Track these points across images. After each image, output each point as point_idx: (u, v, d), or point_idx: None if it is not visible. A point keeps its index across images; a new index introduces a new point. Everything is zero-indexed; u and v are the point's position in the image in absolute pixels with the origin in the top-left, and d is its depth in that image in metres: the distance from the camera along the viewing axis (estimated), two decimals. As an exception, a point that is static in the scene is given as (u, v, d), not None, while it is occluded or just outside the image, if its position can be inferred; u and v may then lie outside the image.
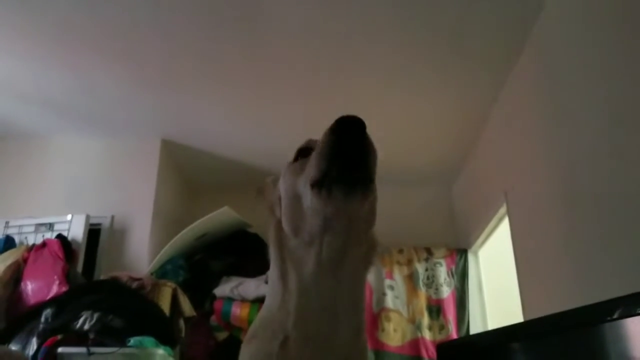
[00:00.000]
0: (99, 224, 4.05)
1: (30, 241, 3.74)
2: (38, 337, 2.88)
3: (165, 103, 4.03)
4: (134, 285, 3.32)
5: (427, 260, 4.57)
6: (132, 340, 2.78)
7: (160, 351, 2.84)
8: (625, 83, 2.33)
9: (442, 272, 4.52)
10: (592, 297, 1.66)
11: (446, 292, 4.46)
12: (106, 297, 3.00)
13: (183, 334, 3.50)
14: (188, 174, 5.00)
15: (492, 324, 4.32)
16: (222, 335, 3.97)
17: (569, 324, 1.74)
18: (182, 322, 3.50)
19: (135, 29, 3.28)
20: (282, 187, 1.18)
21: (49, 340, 2.77)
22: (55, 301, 3.09)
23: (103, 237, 4.04)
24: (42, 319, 3.02)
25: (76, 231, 3.82)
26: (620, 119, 2.37)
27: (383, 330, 4.30)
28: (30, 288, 3.29)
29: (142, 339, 2.81)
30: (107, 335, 2.80)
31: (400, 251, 4.60)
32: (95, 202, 4.13)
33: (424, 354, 4.20)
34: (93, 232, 3.96)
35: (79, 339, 2.78)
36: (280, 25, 3.25)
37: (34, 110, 4.10)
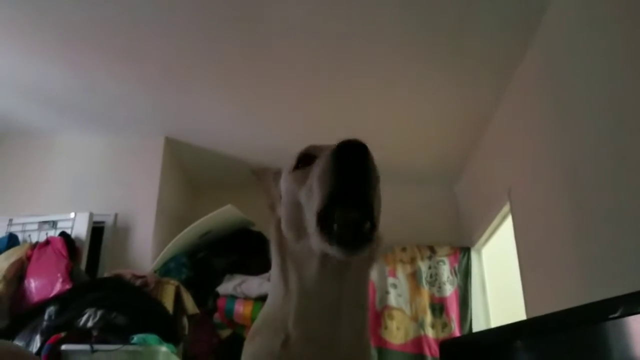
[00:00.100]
0: (103, 222, 4.06)
1: (34, 239, 3.75)
2: (41, 335, 2.88)
3: (168, 101, 4.04)
4: (137, 283, 3.33)
5: (430, 258, 4.57)
6: (136, 338, 2.79)
7: (164, 348, 2.84)
8: (629, 83, 2.33)
9: (445, 271, 4.52)
10: (595, 295, 1.66)
11: (449, 290, 4.46)
12: (109, 295, 3.01)
13: (186, 332, 3.50)
14: (191, 172, 5.00)
15: (495, 322, 4.32)
16: (225, 333, 3.97)
17: (572, 322, 1.74)
18: (185, 320, 3.51)
19: (138, 28, 3.29)
20: (284, 193, 1.17)
21: (53, 338, 2.78)
22: (58, 299, 3.10)
23: (106, 235, 4.05)
24: (46, 317, 3.03)
25: (80, 229, 3.82)
26: (623, 118, 2.37)
27: (386, 328, 4.31)
28: (34, 285, 3.30)
29: (146, 337, 2.81)
30: (111, 332, 2.80)
31: (404, 249, 4.61)
32: (98, 200, 4.13)
33: (426, 351, 4.21)
34: (96, 230, 3.97)
35: (83, 336, 2.78)
36: (281, 24, 3.25)
37: (37, 108, 4.11)
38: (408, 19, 3.18)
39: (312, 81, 3.79)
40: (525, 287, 3.45)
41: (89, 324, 2.82)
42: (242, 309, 3.84)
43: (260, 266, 3.96)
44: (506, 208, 3.75)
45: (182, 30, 3.32)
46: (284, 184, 1.18)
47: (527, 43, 3.29)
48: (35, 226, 3.86)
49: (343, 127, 4.15)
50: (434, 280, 4.51)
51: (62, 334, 2.80)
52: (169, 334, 3.04)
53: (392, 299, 4.43)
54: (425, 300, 4.42)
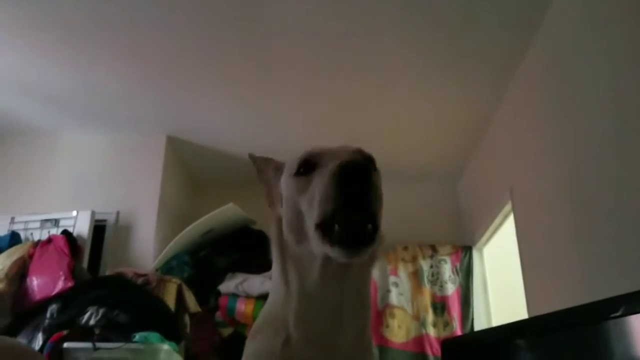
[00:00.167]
0: (105, 220, 4.06)
1: (36, 237, 3.75)
2: (44, 333, 2.89)
3: (169, 100, 4.04)
4: (139, 281, 3.34)
5: (431, 257, 4.57)
6: (138, 336, 2.79)
7: (166, 346, 2.85)
8: (631, 81, 2.33)
9: (447, 269, 4.52)
10: (597, 294, 1.66)
11: (451, 289, 4.46)
12: (112, 293, 3.01)
13: (188, 330, 3.50)
14: (193, 170, 5.01)
15: (497, 321, 4.32)
16: (227, 331, 3.98)
17: (574, 321, 1.74)
18: (187, 318, 3.51)
19: (139, 27, 3.29)
20: (284, 196, 1.16)
21: (55, 336, 2.79)
22: (60, 297, 3.11)
23: (108, 233, 4.05)
24: (48, 315, 3.03)
25: (81, 227, 3.82)
26: (625, 117, 2.37)
27: (387, 326, 4.31)
28: (36, 283, 3.30)
29: (148, 335, 2.82)
30: (113, 330, 2.81)
31: (405, 248, 4.61)
32: (100, 198, 4.14)
33: (428, 350, 4.21)
34: (98, 228, 3.97)
35: (85, 334, 2.79)
36: (281, 24, 3.26)
37: (39, 106, 4.11)
38: (409, 19, 3.18)
39: (313, 80, 3.79)
40: (527, 286, 3.45)
41: (91, 322, 2.82)
42: (243, 308, 3.85)
43: (261, 265, 3.96)
44: (508, 207, 3.75)
45: (183, 30, 3.32)
46: (285, 186, 1.17)
47: (528, 42, 3.29)
48: (38, 224, 3.87)
49: (344, 125, 4.16)
50: (436, 279, 4.51)
51: (65, 332, 2.81)
52: (171, 332, 3.04)
53: (394, 297, 4.43)
54: (426, 299, 4.42)
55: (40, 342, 2.81)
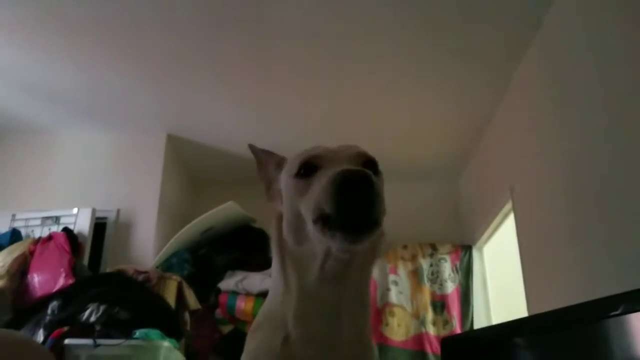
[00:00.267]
0: (105, 218, 4.07)
1: (37, 234, 3.76)
2: (45, 329, 2.90)
3: (170, 98, 4.05)
4: (140, 278, 3.34)
5: (431, 256, 4.58)
6: (138, 333, 2.80)
7: (166, 343, 2.85)
8: (628, 82, 2.34)
9: (447, 268, 4.53)
10: (597, 293, 1.67)
11: (450, 287, 4.47)
12: (112, 290, 3.02)
13: (188, 327, 3.51)
14: (193, 168, 5.01)
15: (496, 320, 4.32)
16: (226, 329, 3.99)
17: (573, 319, 1.75)
18: (187, 315, 3.52)
19: (141, 25, 3.30)
20: (284, 196, 1.15)
21: (56, 332, 2.79)
22: (61, 293, 3.11)
23: (109, 231, 4.06)
24: (49, 311, 3.04)
25: (82, 224, 3.83)
26: (622, 117, 2.38)
27: (387, 324, 4.32)
28: (37, 280, 3.31)
29: (148, 331, 2.82)
30: (113, 327, 2.82)
31: (405, 247, 4.62)
32: (101, 196, 4.15)
33: (427, 348, 4.22)
34: (99, 226, 3.98)
35: (85, 330, 2.80)
36: (282, 23, 3.26)
37: (41, 104, 4.11)
38: (408, 19, 3.19)
39: (313, 79, 3.80)
40: (526, 285, 3.46)
41: (92, 319, 2.83)
42: (243, 305, 3.86)
43: (261, 263, 3.97)
44: (508, 206, 3.76)
45: (184, 29, 3.33)
46: (285, 186, 1.16)
47: (528, 42, 3.29)
48: (38, 221, 3.88)
49: (344, 124, 4.17)
50: (435, 277, 4.51)
51: (65, 329, 2.82)
52: (171, 329, 3.05)
53: (393, 296, 4.44)
54: (426, 297, 4.43)
55: (41, 339, 2.82)
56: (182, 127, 4.41)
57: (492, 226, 4.16)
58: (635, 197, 2.27)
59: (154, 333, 2.84)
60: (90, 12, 3.19)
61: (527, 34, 3.24)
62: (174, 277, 3.57)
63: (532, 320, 2.26)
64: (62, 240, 3.50)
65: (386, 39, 3.38)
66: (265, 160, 1.31)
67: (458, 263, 4.54)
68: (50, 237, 3.56)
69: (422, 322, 4.34)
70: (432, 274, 4.53)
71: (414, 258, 4.59)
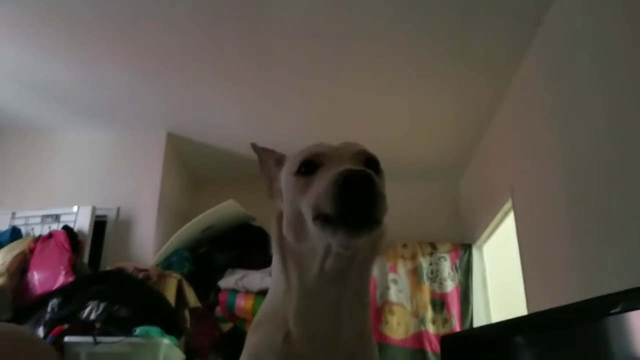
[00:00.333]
0: (105, 216, 4.07)
1: (37, 232, 3.76)
2: (45, 327, 2.89)
3: (170, 97, 4.05)
4: (140, 276, 3.34)
5: (431, 254, 4.58)
6: (138, 330, 2.80)
7: (166, 341, 2.85)
8: (631, 82, 2.33)
9: (446, 267, 4.53)
10: (596, 292, 1.67)
11: (450, 286, 4.47)
12: (112, 287, 3.02)
13: (188, 325, 3.51)
14: (193, 167, 5.02)
15: (496, 319, 4.32)
16: (226, 326, 3.99)
17: (572, 317, 1.75)
18: (187, 313, 3.52)
19: (141, 23, 3.30)
20: (285, 193, 1.15)
21: (56, 330, 2.79)
22: (61, 291, 3.11)
23: (109, 229, 4.06)
24: (49, 309, 3.04)
25: (82, 222, 3.83)
26: (624, 116, 2.38)
27: (386, 323, 4.33)
28: (37, 278, 3.31)
29: (148, 329, 2.82)
30: (113, 324, 2.81)
31: (405, 246, 4.62)
32: (101, 194, 4.15)
33: (427, 347, 4.22)
34: (99, 224, 3.98)
35: (86, 328, 2.79)
36: (282, 22, 3.26)
37: (41, 102, 4.11)
38: (409, 18, 3.19)
39: (313, 78, 3.80)
40: (526, 284, 3.46)
41: (92, 316, 2.83)
42: (243, 303, 3.86)
43: (261, 261, 3.97)
44: (508, 205, 3.76)
45: (184, 28, 3.33)
46: (285, 184, 1.15)
47: (530, 41, 3.29)
48: (38, 220, 3.87)
49: (344, 123, 4.17)
50: (435, 276, 4.52)
51: (65, 326, 2.81)
52: (171, 327, 3.05)
53: (393, 294, 4.44)
54: (426, 296, 4.43)
55: (41, 336, 2.82)
56: (182, 125, 4.41)
57: (492, 225, 4.17)
58: (635, 196, 2.28)
59: (154, 330, 2.84)
60: (91, 11, 3.19)
61: (528, 33, 3.24)
62: (174, 275, 3.57)
63: (532, 318, 2.27)
64: (62, 238, 3.50)
65: (386, 38, 3.38)
66: (265, 158, 1.30)
67: (458, 262, 4.54)
68: (50, 235, 3.56)
69: (422, 321, 4.34)
70: (432, 272, 4.53)
71: (413, 257, 4.59)
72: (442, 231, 4.83)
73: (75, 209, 3.88)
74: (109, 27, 3.33)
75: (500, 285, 4.39)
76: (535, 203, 3.37)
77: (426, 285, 4.48)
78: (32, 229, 3.83)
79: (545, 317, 1.95)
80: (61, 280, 3.22)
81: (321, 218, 0.97)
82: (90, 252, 3.79)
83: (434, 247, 4.62)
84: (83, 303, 2.90)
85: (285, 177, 1.16)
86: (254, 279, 3.90)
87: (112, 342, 2.72)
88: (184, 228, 4.03)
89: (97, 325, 2.81)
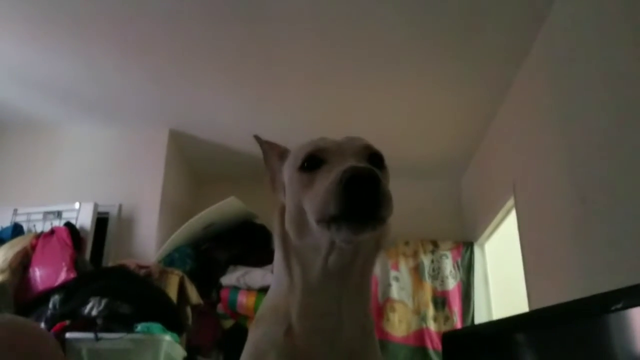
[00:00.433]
0: (107, 213, 4.07)
1: (39, 229, 3.76)
2: (46, 323, 2.91)
3: (173, 94, 4.05)
4: (142, 272, 3.34)
5: (433, 252, 4.58)
6: (140, 326, 2.80)
7: (168, 337, 2.86)
8: (633, 80, 2.33)
9: (448, 265, 4.53)
10: (598, 289, 1.67)
11: (452, 284, 4.47)
12: (114, 284, 3.02)
13: (190, 322, 3.52)
14: (195, 164, 5.01)
15: (497, 316, 4.32)
16: (228, 324, 4.00)
17: (573, 314, 1.75)
18: (189, 310, 3.52)
19: (144, 21, 3.30)
20: (288, 189, 1.14)
21: (57, 326, 2.80)
22: (63, 287, 3.12)
23: (111, 226, 4.07)
24: (50, 305, 3.05)
25: (84, 219, 3.83)
26: (627, 114, 2.37)
27: (388, 320, 4.33)
28: (39, 274, 3.31)
29: (150, 325, 2.83)
30: (115, 321, 2.82)
31: (407, 243, 4.62)
32: (103, 190, 4.15)
33: (428, 344, 4.22)
34: (101, 221, 3.98)
35: (87, 324, 2.80)
36: (285, 21, 3.26)
37: (44, 99, 4.12)
38: (413, 15, 3.18)
39: (316, 75, 3.80)
40: (528, 282, 3.45)
41: (94, 313, 2.84)
42: (245, 300, 3.87)
43: (262, 258, 3.98)
44: (510, 203, 3.75)
45: (187, 25, 3.33)
46: (288, 179, 1.14)
47: (531, 40, 3.28)
48: (40, 216, 3.88)
49: (347, 122, 4.16)
50: (437, 274, 4.52)
51: (67, 322, 2.82)
52: (173, 324, 3.05)
53: (395, 292, 4.44)
54: (427, 293, 4.43)
55: (43, 333, 2.82)
56: (185, 122, 4.41)
57: (493, 223, 4.16)
58: (638, 194, 2.27)
59: (155, 327, 2.85)
60: (94, 8, 3.20)
61: (530, 31, 3.24)
62: (176, 272, 3.58)
63: (533, 315, 2.27)
64: (64, 234, 3.50)
65: (389, 37, 3.37)
66: (270, 149, 1.30)
67: (459, 259, 4.54)
68: (52, 232, 3.56)
69: (423, 318, 4.34)
70: (434, 270, 4.53)
71: (415, 254, 4.59)
72: (444, 229, 4.83)
73: (77, 205, 3.89)
74: (112, 25, 3.34)
75: (502, 284, 4.38)
76: (537, 201, 3.37)
77: (428, 283, 4.48)
78: (34, 225, 3.84)
79: (547, 313, 1.94)
80: (63, 276, 3.22)
81: (325, 220, 0.96)
82: (92, 249, 3.80)
83: (435, 244, 4.62)
84: (85, 299, 2.90)
85: (289, 172, 1.15)
86: (256, 276, 3.91)
87: (113, 339, 2.73)
88: (186, 225, 4.03)
89: (99, 321, 2.82)
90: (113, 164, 4.35)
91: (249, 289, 3.90)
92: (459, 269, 4.51)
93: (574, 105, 2.86)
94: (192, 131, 4.52)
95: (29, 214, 3.90)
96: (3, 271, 3.23)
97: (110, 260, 3.85)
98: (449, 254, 4.57)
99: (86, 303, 2.88)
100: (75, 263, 3.34)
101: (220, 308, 3.98)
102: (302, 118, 4.22)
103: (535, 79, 3.37)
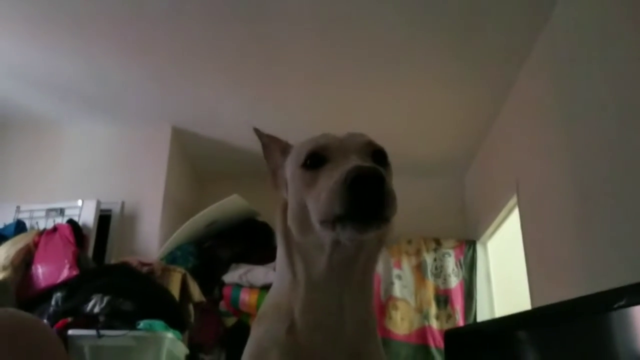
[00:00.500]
0: (110, 210, 4.08)
1: (41, 226, 3.77)
2: (48, 320, 2.90)
3: (175, 91, 4.05)
4: (144, 270, 3.34)
5: (435, 250, 4.58)
6: (142, 324, 2.80)
7: (170, 335, 2.86)
8: (636, 79, 2.32)
9: (451, 263, 4.53)
10: (600, 288, 1.66)
11: (454, 282, 4.47)
12: (116, 281, 3.02)
13: (192, 319, 3.52)
14: (198, 161, 5.01)
15: (499, 315, 4.32)
16: (230, 321, 4.00)
17: (576, 312, 1.75)
18: (191, 308, 3.52)
19: (147, 18, 3.30)
20: (290, 186, 1.13)
21: (60, 323, 2.80)
22: (65, 285, 3.12)
23: (113, 223, 4.07)
24: (53, 302, 3.05)
25: (87, 216, 3.84)
26: (631, 112, 2.37)
27: (390, 318, 4.33)
28: (41, 272, 3.32)
29: (152, 323, 2.83)
30: (117, 318, 2.82)
31: (409, 242, 4.62)
32: (105, 188, 4.15)
33: (430, 342, 4.22)
34: (104, 218, 3.99)
35: (89, 321, 2.81)
36: (287, 18, 3.26)
37: (47, 97, 4.12)
38: (415, 14, 3.18)
39: (318, 73, 3.79)
40: (530, 280, 3.45)
41: (96, 310, 2.84)
42: (247, 298, 3.87)
43: (265, 256, 3.98)
44: (513, 201, 3.75)
45: (189, 22, 3.33)
46: (291, 176, 1.14)
47: (534, 38, 3.28)
48: (43, 213, 3.88)
49: (350, 121, 4.15)
50: (439, 272, 4.52)
51: (69, 319, 2.82)
52: (175, 321, 3.05)
53: (397, 290, 4.44)
54: (430, 291, 4.43)
55: (46, 329, 2.82)
56: (187, 119, 4.41)
57: (496, 221, 4.16)
58: (640, 191, 2.27)
59: (158, 324, 2.85)
60: (95, 6, 3.20)
61: (532, 31, 3.23)
62: (178, 269, 3.58)
63: (535, 313, 2.26)
64: (67, 232, 3.51)
65: (389, 36, 3.37)
66: (270, 145, 1.29)
67: (462, 258, 4.54)
68: (54, 229, 3.57)
69: (426, 316, 4.34)
70: (436, 268, 4.53)
71: (418, 253, 4.59)
72: (447, 227, 4.82)
73: (79, 203, 3.89)
74: (114, 22, 3.34)
75: (504, 282, 4.38)
76: (540, 199, 3.36)
77: (430, 281, 4.47)
78: (37, 222, 3.84)
79: (549, 311, 1.94)
80: (65, 273, 3.23)
81: (329, 220, 0.96)
82: (94, 246, 3.81)
83: (438, 243, 4.61)
84: (87, 296, 2.90)
85: (291, 169, 1.14)
86: (258, 273, 3.91)
87: (115, 336, 2.73)
88: (188, 222, 4.03)
89: (101, 318, 2.82)
90: (115, 161, 4.35)
91: (251, 287, 3.90)
92: (461, 267, 4.51)
93: (576, 104, 2.86)
94: (195, 128, 4.51)
95: (31, 211, 3.91)
96: (5, 268, 3.24)
97: (112, 257, 3.85)
98: (451, 252, 4.57)
99: (88, 300, 2.87)
100: (78, 260, 3.34)
101: (223, 306, 3.98)
102: (305, 116, 4.21)
103: (538, 78, 3.36)
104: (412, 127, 4.36)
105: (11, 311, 1.19)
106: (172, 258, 3.88)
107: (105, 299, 2.86)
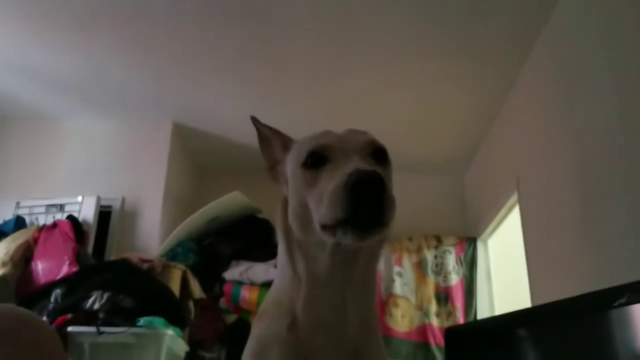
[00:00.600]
0: (110, 206, 4.07)
1: (41, 222, 3.76)
2: (48, 316, 2.90)
3: (176, 87, 4.05)
4: (145, 266, 3.33)
5: (436, 248, 4.58)
6: (142, 320, 2.80)
7: (170, 332, 2.86)
8: (639, 71, 2.31)
9: (451, 260, 4.53)
10: (602, 286, 1.66)
11: (455, 279, 4.47)
12: (116, 277, 3.02)
13: (192, 316, 3.51)
14: (199, 157, 5.01)
15: (500, 312, 4.31)
16: (231, 318, 4.00)
17: (576, 310, 1.74)
18: (191, 304, 3.52)
19: (148, 14, 3.29)
20: (291, 185, 1.13)
21: (59, 319, 2.80)
22: (65, 281, 3.12)
23: (114, 219, 4.06)
24: (52, 299, 3.05)
25: (87, 212, 3.84)
26: (633, 110, 2.36)
27: (391, 315, 4.33)
28: (41, 268, 3.31)
29: (152, 319, 2.82)
30: (117, 314, 2.82)
31: (410, 239, 4.62)
32: (106, 184, 4.14)
33: (431, 340, 4.22)
34: (104, 214, 3.98)
35: (89, 318, 2.80)
36: (288, 15, 3.26)
37: (47, 92, 4.12)
38: (416, 11, 3.17)
39: (319, 70, 3.79)
40: (531, 278, 3.45)
41: (96, 306, 2.83)
42: (248, 295, 3.86)
43: (266, 253, 3.97)
44: (514, 198, 3.75)
45: (190, 18, 3.32)
46: (292, 174, 1.13)
47: (536, 34, 3.27)
48: (43, 209, 3.88)
49: (350, 118, 4.15)
50: (440, 269, 4.52)
51: (69, 316, 2.82)
52: (176, 318, 3.05)
53: (398, 287, 4.44)
54: (430, 289, 4.43)
55: (45, 326, 2.82)
56: (188, 115, 4.41)
57: (497, 219, 4.16)
58: (642, 189, 2.26)
59: (158, 321, 2.84)
60: (96, 2, 3.19)
61: (535, 25, 3.23)
62: (179, 266, 3.57)
63: (536, 311, 2.26)
64: (67, 228, 3.50)
65: (390, 35, 3.38)
66: (272, 139, 1.29)
67: (462, 255, 4.54)
68: (54, 225, 3.56)
69: (426, 314, 4.34)
70: (437, 266, 4.53)
71: (418, 250, 4.59)
72: (447, 225, 4.83)
73: (79, 198, 3.89)
74: (115, 18, 3.34)
75: (505, 279, 4.38)
76: (540, 197, 3.36)
77: (431, 279, 4.48)
78: (37, 218, 3.84)
79: (550, 309, 1.94)
80: (65, 270, 3.22)
81: (330, 224, 0.96)
82: (94, 242, 3.80)
83: (439, 240, 4.61)
84: (87, 293, 2.90)
85: (292, 167, 1.14)
86: (259, 270, 3.90)
87: (115, 333, 2.73)
88: (189, 219, 4.03)
89: (101, 315, 2.82)
90: (116, 157, 4.35)
91: (252, 284, 3.89)
92: (462, 264, 4.51)
93: (578, 99, 2.86)
94: (195, 124, 4.51)
95: (31, 207, 3.90)
96: (5, 264, 3.23)
97: (112, 253, 3.85)
98: (452, 249, 4.57)
99: (88, 297, 2.87)
100: (78, 256, 3.33)
101: (223, 302, 3.98)
102: (306, 113, 4.20)
103: (539, 76, 3.36)
104: (412, 125, 4.36)
105: (10, 307, 1.19)
106: (172, 254, 3.88)
107: (105, 296, 2.85)
